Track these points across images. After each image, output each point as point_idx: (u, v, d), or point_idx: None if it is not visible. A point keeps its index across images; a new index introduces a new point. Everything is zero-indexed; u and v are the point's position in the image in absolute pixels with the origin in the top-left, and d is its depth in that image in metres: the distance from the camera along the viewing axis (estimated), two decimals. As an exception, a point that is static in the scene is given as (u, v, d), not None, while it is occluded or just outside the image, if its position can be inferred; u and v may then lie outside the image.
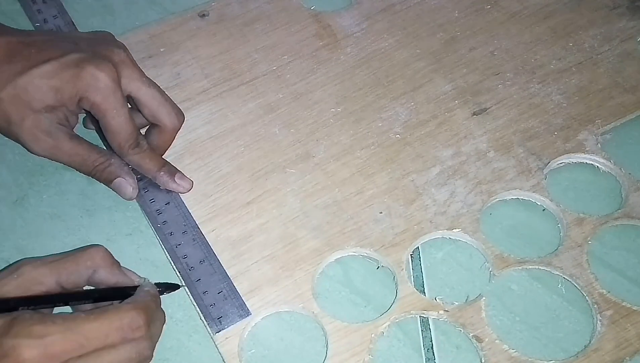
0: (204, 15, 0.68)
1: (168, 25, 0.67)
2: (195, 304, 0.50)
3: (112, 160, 0.54)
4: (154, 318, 0.44)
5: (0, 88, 0.50)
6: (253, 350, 0.49)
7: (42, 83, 0.51)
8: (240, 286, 0.51)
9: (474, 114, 0.61)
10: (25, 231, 0.54)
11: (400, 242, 0.53)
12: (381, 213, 0.54)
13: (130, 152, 0.53)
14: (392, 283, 0.51)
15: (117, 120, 0.52)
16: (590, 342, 0.48)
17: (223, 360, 0.48)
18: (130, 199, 0.54)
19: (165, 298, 0.48)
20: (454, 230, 0.53)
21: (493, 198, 0.55)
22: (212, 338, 0.49)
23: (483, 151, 0.58)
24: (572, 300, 0.50)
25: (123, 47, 0.55)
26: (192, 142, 0.59)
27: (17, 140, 0.53)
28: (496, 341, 0.48)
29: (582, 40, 0.65)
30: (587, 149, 0.58)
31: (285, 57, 0.65)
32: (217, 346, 0.48)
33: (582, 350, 0.48)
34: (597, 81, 0.62)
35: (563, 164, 0.58)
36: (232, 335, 0.49)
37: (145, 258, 0.53)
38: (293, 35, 0.66)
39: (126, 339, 0.41)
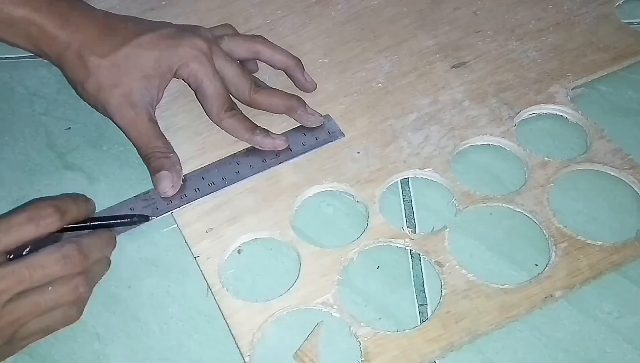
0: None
1: (169, -20, 0.71)
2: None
3: (171, 155, 0.56)
4: (94, 257, 0.48)
5: (102, 56, 0.55)
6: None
7: (142, 52, 0.55)
8: (223, 214, 0.55)
9: (453, 67, 0.64)
10: None
11: (374, 179, 0.57)
12: (359, 153, 0.58)
13: (227, 115, 0.57)
14: (365, 215, 0.55)
15: (215, 85, 0.56)
16: (543, 270, 0.51)
17: (204, 277, 0.52)
18: (165, 195, 0.55)
19: (165, 298, 0.51)
20: (425, 169, 0.57)
21: (465, 142, 0.59)
22: (190, 251, 0.53)
23: (459, 100, 0.62)
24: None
25: (209, 32, 0.59)
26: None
27: (102, 107, 0.56)
28: (456, 267, 0.52)
29: (562, 3, 0.69)
30: (557, 100, 0.61)
31: (279, 12, 0.69)
32: (199, 264, 0.52)
33: (535, 277, 0.51)
34: (573, 40, 0.66)
35: (534, 114, 0.61)
36: (213, 256, 0.53)
37: (145, 258, 0.53)
38: (289, -8, 0.70)
39: (64, 274, 0.45)
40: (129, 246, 0.54)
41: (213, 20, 0.69)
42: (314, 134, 0.58)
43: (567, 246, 0.52)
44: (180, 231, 0.54)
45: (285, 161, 0.57)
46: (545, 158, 0.57)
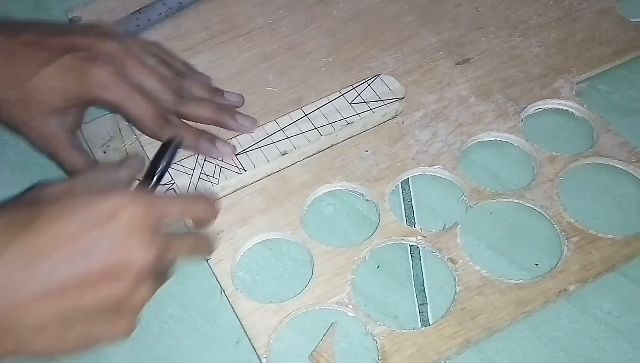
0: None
1: (169, -17, 0.71)
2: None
3: (105, 170, 0.51)
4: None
5: (7, 90, 0.51)
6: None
7: (48, 87, 0.51)
8: (233, 216, 0.55)
9: (458, 63, 0.64)
10: None
11: (384, 177, 0.57)
12: (367, 151, 0.58)
13: (164, 131, 0.54)
14: (375, 214, 0.55)
15: (136, 108, 0.53)
16: (557, 264, 0.51)
17: (217, 279, 0.52)
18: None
19: (165, 298, 0.51)
20: (434, 167, 0.57)
21: (472, 138, 0.59)
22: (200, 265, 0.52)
23: (464, 96, 0.62)
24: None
25: (118, 38, 0.54)
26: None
27: (23, 137, 0.54)
28: (469, 263, 0.52)
29: (562, -2, 0.69)
30: (562, 95, 0.61)
31: (281, 11, 0.69)
32: (211, 267, 0.52)
33: (549, 271, 0.51)
34: (575, 35, 0.66)
35: (539, 109, 0.61)
36: (225, 258, 0.53)
37: None
38: (289, -8, 0.70)
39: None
40: None
41: (214, 21, 0.68)
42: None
43: (579, 240, 0.53)
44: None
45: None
46: (554, 153, 0.57)
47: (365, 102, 0.58)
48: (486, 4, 0.69)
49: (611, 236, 0.53)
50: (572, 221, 0.54)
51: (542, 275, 0.51)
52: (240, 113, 0.58)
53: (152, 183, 0.48)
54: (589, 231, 0.53)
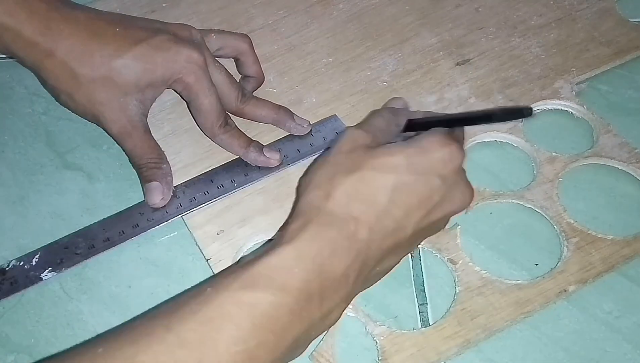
0: (204, -26, 0.72)
1: (168, -17, 0.71)
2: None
3: (164, 166, 0.55)
4: None
5: (94, 69, 0.51)
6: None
7: (136, 66, 0.52)
8: (233, 216, 0.55)
9: (457, 64, 0.64)
10: (26, 230, 0.54)
11: (383, 177, 0.56)
12: (367, 152, 0.58)
13: (221, 130, 0.56)
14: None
15: (209, 100, 0.54)
16: (557, 264, 0.52)
17: (217, 279, 0.52)
18: (155, 206, 0.54)
19: (165, 298, 0.51)
20: (434, 167, 0.57)
21: (472, 139, 0.59)
22: (202, 254, 0.52)
23: (465, 97, 0.62)
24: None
25: (197, 30, 0.57)
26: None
27: (93, 118, 0.54)
28: (469, 263, 0.52)
29: (563, -2, 0.69)
30: (562, 96, 0.61)
31: (281, 12, 0.69)
32: (211, 267, 0.52)
33: (548, 272, 0.51)
34: (575, 35, 0.66)
35: (539, 110, 0.61)
36: (225, 258, 0.53)
37: (145, 257, 0.53)
38: (289, -8, 0.70)
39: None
40: (129, 246, 0.54)
41: (214, 21, 0.68)
42: (321, 134, 0.58)
43: (579, 240, 0.53)
44: (191, 233, 0.54)
45: (293, 163, 0.57)
46: (553, 153, 0.57)
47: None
48: (486, 4, 0.69)
49: (611, 236, 0.53)
50: (572, 221, 0.54)
51: (542, 275, 0.51)
52: (297, 115, 0.59)
53: None
54: (589, 232, 0.53)
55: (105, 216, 0.55)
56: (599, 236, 0.53)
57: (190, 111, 0.58)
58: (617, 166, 0.57)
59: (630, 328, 0.49)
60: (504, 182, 0.57)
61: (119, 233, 0.53)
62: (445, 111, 0.60)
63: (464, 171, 0.47)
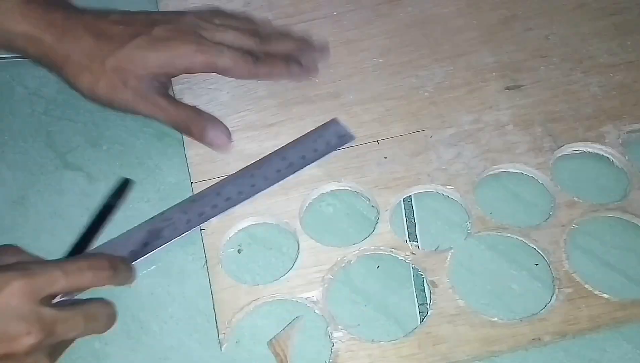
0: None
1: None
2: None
3: (203, 113, 0.58)
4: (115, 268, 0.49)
5: (104, 61, 0.56)
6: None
7: (142, 53, 0.56)
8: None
9: (507, 88, 0.62)
10: (26, 230, 0.54)
11: (393, 186, 0.56)
12: (386, 158, 0.58)
13: (257, 68, 0.59)
14: (373, 222, 0.55)
15: (225, 58, 0.58)
16: (539, 311, 0.49)
17: (204, 250, 0.53)
18: (226, 147, 0.57)
19: (165, 298, 0.52)
20: (447, 187, 0.56)
21: (496, 166, 0.57)
22: (200, 231, 0.54)
23: (503, 123, 0.60)
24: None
25: (193, 13, 0.61)
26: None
27: (118, 105, 0.57)
28: (449, 290, 0.51)
29: (641, 42, 0.65)
30: (606, 141, 0.58)
31: (349, 5, 0.69)
32: (202, 237, 0.54)
33: (527, 316, 0.49)
34: (642, 81, 0.62)
35: (578, 151, 0.58)
36: (218, 231, 0.54)
37: (145, 258, 0.53)
38: (361, -13, 0.70)
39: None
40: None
41: (283, 3, 0.70)
42: (324, 139, 0.58)
43: (572, 292, 0.50)
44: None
45: (298, 169, 0.57)
46: (575, 198, 0.55)
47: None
48: (558, 33, 0.66)
49: (607, 296, 0.50)
50: (571, 271, 0.51)
51: (519, 318, 0.49)
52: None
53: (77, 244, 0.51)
54: (585, 286, 0.51)
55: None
56: (595, 292, 0.50)
57: None
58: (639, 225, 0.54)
59: (630, 328, 0.49)
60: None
61: (129, 252, 0.53)
62: (478, 133, 0.59)
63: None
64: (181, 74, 0.59)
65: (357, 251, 0.53)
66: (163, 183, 0.58)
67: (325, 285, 0.51)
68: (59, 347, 0.46)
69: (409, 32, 0.67)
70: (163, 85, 0.58)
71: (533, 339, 0.48)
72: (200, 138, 0.57)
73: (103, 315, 0.48)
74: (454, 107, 0.61)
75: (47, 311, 0.43)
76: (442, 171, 0.57)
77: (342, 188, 0.57)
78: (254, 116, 0.61)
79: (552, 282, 0.51)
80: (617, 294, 0.50)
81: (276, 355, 0.48)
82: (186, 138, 0.59)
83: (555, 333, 0.48)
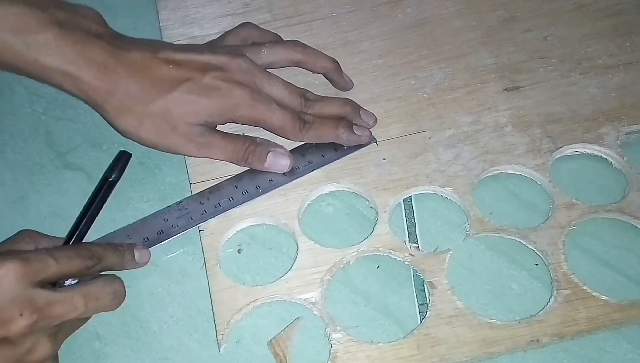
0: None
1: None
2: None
3: (258, 140, 0.57)
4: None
5: (148, 103, 0.53)
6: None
7: (190, 101, 0.54)
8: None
9: (506, 89, 0.62)
10: None
11: (392, 188, 0.56)
12: (384, 159, 0.58)
13: (304, 131, 0.57)
14: (371, 223, 0.55)
15: (276, 118, 0.56)
16: (538, 312, 0.50)
17: (202, 250, 0.53)
18: (289, 168, 0.56)
19: (165, 298, 0.52)
20: (446, 188, 0.56)
21: (495, 168, 0.57)
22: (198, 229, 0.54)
23: (501, 124, 0.60)
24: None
25: (245, 54, 0.57)
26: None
27: (170, 148, 0.56)
28: (447, 291, 0.51)
29: (640, 42, 0.65)
30: (604, 142, 0.58)
31: (348, 6, 0.69)
32: (201, 237, 0.54)
33: (525, 318, 0.49)
34: (640, 82, 0.62)
35: (576, 152, 0.59)
36: (217, 232, 0.54)
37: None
38: (360, -11, 0.70)
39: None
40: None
41: (282, 4, 0.70)
42: None
43: (570, 294, 0.50)
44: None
45: (317, 168, 0.57)
46: (574, 200, 0.55)
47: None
48: (557, 34, 0.66)
49: (605, 297, 0.50)
50: (569, 272, 0.51)
51: (518, 320, 0.49)
52: (363, 108, 0.60)
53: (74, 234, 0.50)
54: (583, 287, 0.51)
55: (105, 216, 0.54)
56: (593, 294, 0.50)
57: None
58: (638, 226, 0.54)
59: (630, 328, 0.49)
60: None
61: (144, 239, 0.53)
62: (477, 134, 0.59)
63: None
64: (231, 122, 0.57)
65: (356, 253, 0.53)
66: (163, 183, 0.58)
67: (324, 286, 0.51)
68: (64, 329, 0.46)
69: (408, 33, 0.67)
70: (212, 128, 0.57)
71: (531, 341, 0.49)
72: (260, 167, 0.56)
73: (107, 294, 0.47)
74: (452, 109, 0.61)
75: (41, 293, 0.43)
76: (441, 173, 0.57)
77: (341, 189, 0.57)
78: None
79: (551, 283, 0.51)
80: (616, 295, 0.50)
81: (276, 355, 0.48)
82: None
83: (553, 335, 0.49)
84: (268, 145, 0.56)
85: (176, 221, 0.54)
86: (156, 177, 0.58)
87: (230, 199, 0.55)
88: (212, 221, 0.54)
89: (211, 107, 0.54)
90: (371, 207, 0.56)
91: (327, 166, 0.57)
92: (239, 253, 0.54)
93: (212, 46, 0.59)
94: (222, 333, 0.49)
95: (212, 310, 0.51)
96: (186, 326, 0.51)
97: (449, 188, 0.56)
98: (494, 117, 0.60)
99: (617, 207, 0.55)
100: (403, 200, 0.56)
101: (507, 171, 0.57)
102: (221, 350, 0.49)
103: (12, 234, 0.53)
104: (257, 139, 0.57)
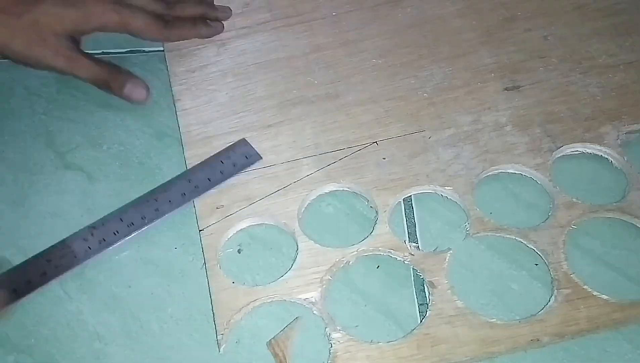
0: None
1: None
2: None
3: (122, 69, 0.59)
4: None
5: (19, 16, 0.56)
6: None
7: (55, 12, 0.57)
8: (238, 194, 0.56)
9: (506, 89, 0.62)
10: (26, 231, 0.54)
11: (392, 187, 0.56)
12: (384, 158, 0.58)
13: (167, 31, 0.62)
14: (372, 222, 0.55)
15: (137, 20, 0.59)
16: (538, 312, 0.49)
17: (202, 251, 0.53)
18: (144, 101, 0.59)
19: (165, 298, 0.51)
20: (446, 187, 0.56)
21: (495, 167, 0.57)
22: (197, 224, 0.54)
23: (501, 123, 0.60)
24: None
25: None
26: (239, 64, 0.65)
27: (38, 61, 0.58)
28: (447, 291, 0.51)
29: (641, 42, 0.65)
30: (604, 142, 0.58)
31: (348, 6, 0.69)
32: (201, 238, 0.54)
33: (526, 317, 0.49)
34: (640, 82, 0.62)
35: (577, 151, 0.58)
36: (217, 232, 0.54)
37: (145, 257, 0.53)
38: (362, -12, 0.70)
39: None
40: (129, 246, 0.54)
41: (282, 3, 0.70)
42: (231, 160, 0.58)
43: (570, 293, 0.50)
44: (193, 203, 0.56)
45: (204, 191, 0.56)
46: (574, 199, 0.55)
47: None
48: (557, 33, 0.66)
49: (606, 297, 0.50)
50: (570, 272, 0.51)
51: (518, 319, 0.49)
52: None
53: None
54: (584, 287, 0.50)
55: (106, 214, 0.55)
56: (594, 293, 0.50)
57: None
58: (638, 226, 0.54)
59: (630, 328, 0.48)
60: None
61: (25, 282, 0.51)
62: (477, 134, 0.59)
63: None
64: (95, 31, 0.59)
65: (356, 252, 0.53)
66: (163, 182, 0.58)
67: (324, 286, 0.51)
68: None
69: (408, 33, 0.67)
70: (78, 42, 0.59)
71: (532, 340, 0.48)
72: (119, 93, 0.58)
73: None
74: (452, 108, 0.61)
75: None
76: (441, 172, 0.57)
77: (341, 188, 0.57)
78: (252, 117, 0.61)
79: (551, 283, 0.51)
80: (616, 295, 0.50)
81: (275, 355, 0.48)
82: (185, 139, 0.59)
83: (554, 334, 0.48)
84: (129, 75, 0.59)
85: (59, 260, 0.52)
86: (156, 177, 0.58)
87: (116, 233, 0.54)
88: (211, 220, 0.54)
89: (77, 15, 0.57)
90: (371, 207, 0.56)
91: (215, 188, 0.56)
92: (239, 253, 0.54)
93: None
94: (222, 333, 0.49)
95: (212, 310, 0.50)
96: (186, 326, 0.50)
97: (449, 187, 0.56)
98: (494, 117, 0.60)
99: (618, 206, 0.55)
100: (403, 200, 0.56)
101: (508, 171, 0.57)
102: (221, 350, 0.49)
103: (12, 234, 0.54)
104: (122, 68, 0.59)
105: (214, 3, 0.66)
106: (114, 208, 0.55)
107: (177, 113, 0.61)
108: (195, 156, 0.58)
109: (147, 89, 0.59)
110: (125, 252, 0.54)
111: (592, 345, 0.48)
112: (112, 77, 0.58)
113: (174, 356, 0.49)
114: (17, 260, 0.52)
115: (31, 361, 0.48)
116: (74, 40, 0.59)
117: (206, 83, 0.63)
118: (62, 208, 0.56)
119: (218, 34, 0.65)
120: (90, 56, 0.59)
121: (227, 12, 0.66)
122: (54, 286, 0.52)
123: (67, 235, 0.53)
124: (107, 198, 0.56)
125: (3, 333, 0.49)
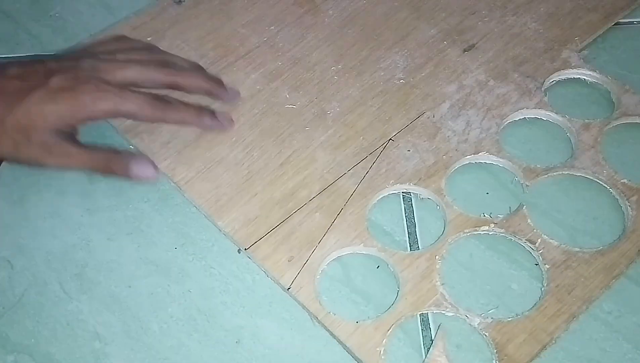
0: (180, 1, 0.69)
1: (147, 16, 0.68)
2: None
3: (120, 150, 0.54)
4: None
5: (2, 120, 0.51)
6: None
7: (40, 108, 0.51)
8: (299, 240, 0.53)
9: (465, 50, 0.65)
10: (26, 231, 0.54)
11: (434, 173, 0.56)
12: (409, 150, 0.58)
13: (167, 113, 0.55)
14: (439, 211, 0.54)
15: (130, 103, 0.53)
16: (625, 227, 0.53)
17: (304, 308, 0.50)
18: (154, 178, 0.54)
19: (165, 298, 0.51)
20: (479, 154, 0.57)
21: (505, 120, 0.59)
22: (279, 284, 0.51)
23: (483, 81, 0.62)
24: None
25: (88, 54, 0.56)
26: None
27: (29, 160, 0.53)
28: (547, 241, 0.52)
29: (541, -28, 0.71)
30: (572, 65, 0.63)
31: (273, 27, 0.67)
32: (295, 297, 0.50)
33: (622, 234, 0.52)
34: (563, 6, 0.68)
35: (556, 81, 0.62)
36: (305, 285, 0.51)
37: (145, 257, 0.53)
38: (273, 7, 0.69)
39: None
40: (129, 246, 0.53)
41: (208, 47, 0.66)
42: None
43: (638, 198, 0.54)
44: (260, 266, 0.52)
45: None
46: (586, 120, 0.59)
47: None
48: (474, -14, 0.69)
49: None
50: (626, 181, 0.55)
51: (617, 238, 0.52)
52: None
53: None
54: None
55: (105, 216, 0.54)
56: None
57: None
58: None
59: (630, 328, 0.49)
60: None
61: None
62: (470, 97, 0.61)
63: None
64: (85, 123, 0.53)
65: (446, 245, 0.52)
66: (163, 183, 0.57)
67: (441, 287, 0.50)
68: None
69: (345, 33, 0.67)
70: (69, 133, 0.53)
71: (639, 250, 0.51)
72: (125, 176, 0.53)
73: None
74: (433, 83, 0.62)
75: None
76: (465, 142, 0.58)
77: (390, 193, 0.56)
78: (259, 162, 0.59)
79: (617, 196, 0.54)
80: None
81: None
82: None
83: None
84: (130, 155, 0.54)
85: None
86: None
87: None
88: (290, 274, 0.51)
89: (59, 110, 0.52)
90: (422, 198, 0.56)
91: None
92: (239, 253, 0.53)
93: (60, 55, 0.58)
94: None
95: (355, 357, 0.47)
96: (186, 326, 0.50)
97: (482, 152, 0.57)
98: (473, 78, 0.62)
99: (621, 112, 0.60)
100: (403, 199, 0.56)
101: (515, 119, 0.60)
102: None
103: (12, 234, 0.54)
104: (120, 150, 0.55)
105: (223, 83, 0.60)
106: (114, 208, 0.55)
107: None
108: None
109: (153, 163, 0.54)
110: (125, 252, 0.53)
111: (592, 345, 0.48)
112: (112, 162, 0.53)
113: (174, 356, 0.49)
114: (17, 259, 0.52)
115: (31, 361, 0.48)
116: (65, 134, 0.52)
117: (198, 140, 0.59)
118: (62, 208, 0.56)
119: (223, 130, 0.59)
120: (83, 146, 0.53)
121: (235, 96, 0.60)
122: (54, 286, 0.51)
123: (67, 235, 0.53)
124: (107, 198, 0.56)
125: (3, 333, 0.49)
